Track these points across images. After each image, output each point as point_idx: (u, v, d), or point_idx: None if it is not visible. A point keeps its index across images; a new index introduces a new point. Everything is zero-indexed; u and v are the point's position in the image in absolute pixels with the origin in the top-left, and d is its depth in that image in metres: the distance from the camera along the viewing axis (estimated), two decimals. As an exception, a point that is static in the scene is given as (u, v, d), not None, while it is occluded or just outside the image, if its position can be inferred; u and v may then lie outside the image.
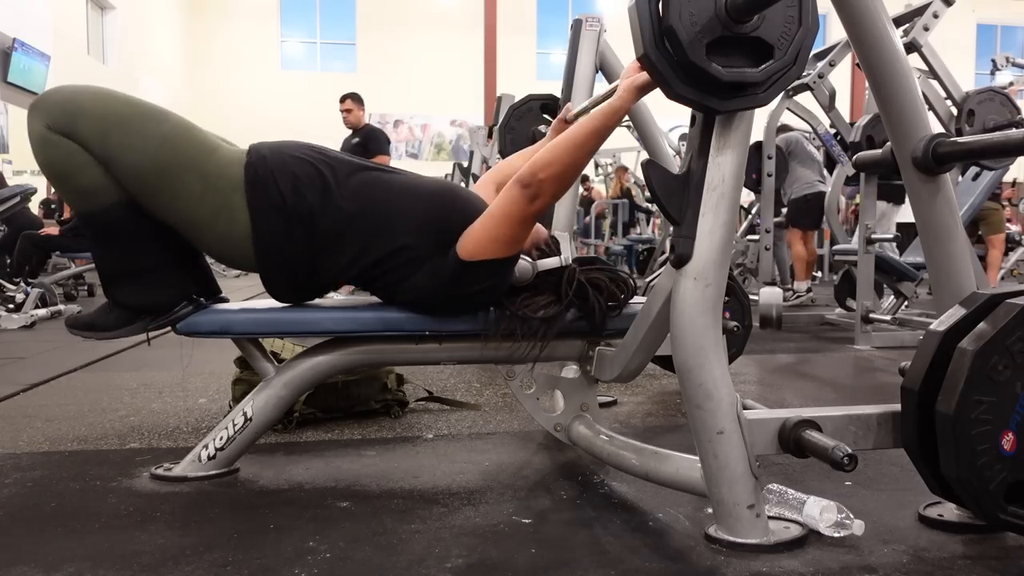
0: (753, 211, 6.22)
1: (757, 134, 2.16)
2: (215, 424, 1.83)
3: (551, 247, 1.80)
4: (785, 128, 6.33)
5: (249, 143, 1.70)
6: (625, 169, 11.29)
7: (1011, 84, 5.31)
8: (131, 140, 1.57)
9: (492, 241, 1.63)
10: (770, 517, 1.35)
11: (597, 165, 12.23)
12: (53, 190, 9.25)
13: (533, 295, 1.74)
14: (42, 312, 4.93)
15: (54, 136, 1.56)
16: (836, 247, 4.94)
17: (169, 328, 1.74)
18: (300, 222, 1.62)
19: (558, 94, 2.77)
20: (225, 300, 1.84)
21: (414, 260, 1.66)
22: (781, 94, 2.23)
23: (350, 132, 6.38)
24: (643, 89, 1.52)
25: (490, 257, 1.63)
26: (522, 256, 1.73)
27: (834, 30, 13.18)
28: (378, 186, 1.69)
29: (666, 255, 1.42)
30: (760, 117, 1.70)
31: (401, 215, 1.66)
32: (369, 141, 6.21)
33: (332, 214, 1.64)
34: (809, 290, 6.13)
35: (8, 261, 6.16)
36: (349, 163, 1.71)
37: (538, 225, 1.81)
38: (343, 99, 6.27)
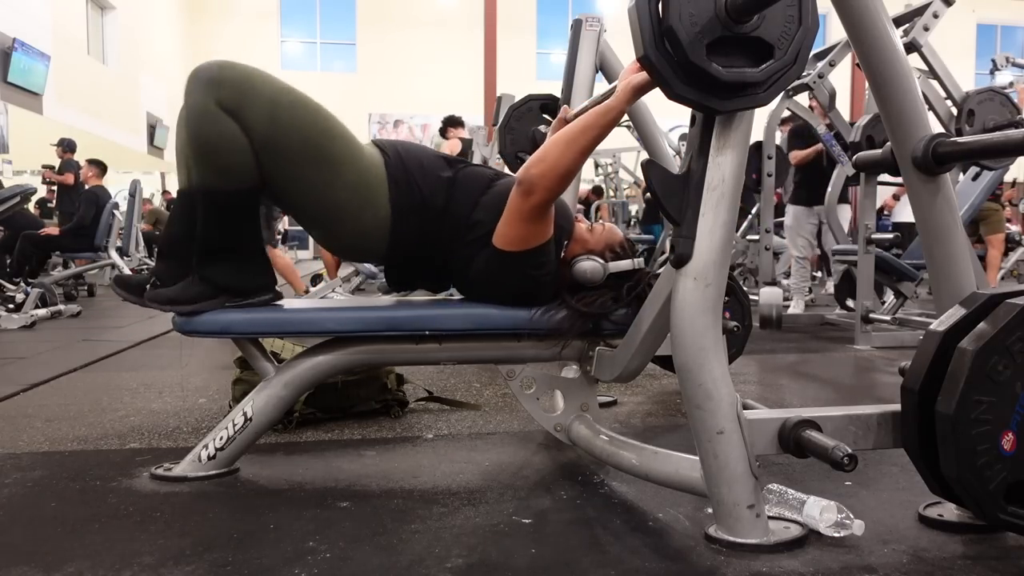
0: (753, 211, 6.21)
1: (757, 134, 2.16)
2: (215, 424, 1.83)
3: (625, 250, 1.85)
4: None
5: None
6: None
7: (1011, 84, 5.29)
8: (296, 129, 1.64)
9: (507, 235, 1.70)
10: (770, 517, 1.35)
11: (597, 165, 12.22)
12: (49, 189, 9.24)
13: (594, 292, 1.78)
14: (42, 312, 4.93)
15: (220, 114, 1.60)
16: (835, 247, 4.93)
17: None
18: (432, 220, 1.76)
19: (558, 94, 2.77)
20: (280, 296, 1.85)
21: (481, 238, 1.75)
22: (781, 94, 2.23)
23: None
24: (641, 90, 1.53)
25: (508, 249, 1.71)
26: (592, 258, 1.78)
27: (834, 30, 13.17)
28: (478, 179, 1.82)
29: (666, 255, 1.42)
30: (760, 117, 1.70)
31: (484, 201, 1.78)
32: None
33: (453, 209, 1.77)
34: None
35: (8, 261, 6.17)
36: (456, 159, 1.88)
37: (613, 227, 1.90)
38: None
